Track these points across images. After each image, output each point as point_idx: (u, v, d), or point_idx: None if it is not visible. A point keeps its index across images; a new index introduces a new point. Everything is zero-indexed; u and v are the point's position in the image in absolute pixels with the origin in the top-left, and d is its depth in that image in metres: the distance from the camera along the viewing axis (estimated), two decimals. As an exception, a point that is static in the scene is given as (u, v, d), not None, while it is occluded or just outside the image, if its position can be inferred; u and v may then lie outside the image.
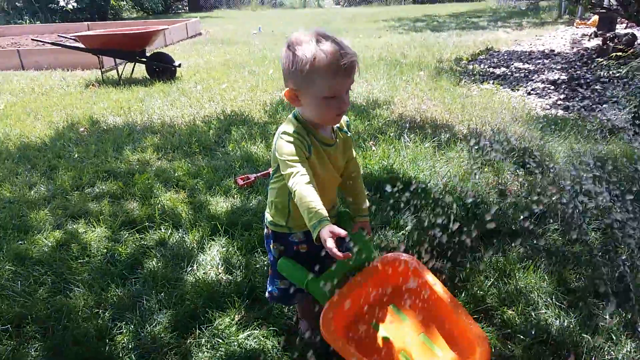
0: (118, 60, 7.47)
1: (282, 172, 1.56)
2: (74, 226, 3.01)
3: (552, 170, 3.29)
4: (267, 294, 1.97)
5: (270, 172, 1.76)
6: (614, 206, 2.70)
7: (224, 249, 2.66)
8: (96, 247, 2.78)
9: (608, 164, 3.31)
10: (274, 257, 1.85)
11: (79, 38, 7.17)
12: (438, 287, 1.68)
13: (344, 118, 1.72)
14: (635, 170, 3.30)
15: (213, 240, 2.76)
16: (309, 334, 2.04)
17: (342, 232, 1.39)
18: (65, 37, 7.89)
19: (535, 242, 2.54)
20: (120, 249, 2.73)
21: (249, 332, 2.07)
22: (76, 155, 4.12)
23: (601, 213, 2.72)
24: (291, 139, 1.56)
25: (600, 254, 2.41)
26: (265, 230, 1.86)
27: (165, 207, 3.16)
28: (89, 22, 13.85)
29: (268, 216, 1.82)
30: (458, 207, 2.83)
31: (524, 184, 3.19)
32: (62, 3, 17.30)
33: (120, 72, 7.30)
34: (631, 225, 2.47)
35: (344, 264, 1.75)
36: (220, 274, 2.47)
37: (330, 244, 1.37)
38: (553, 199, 2.79)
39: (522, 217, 2.72)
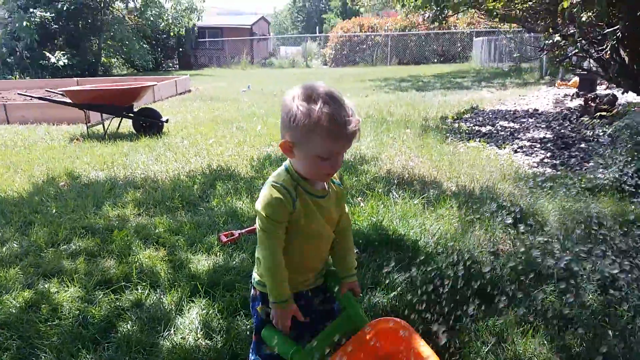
0: (105, 115, 7.45)
1: (257, 225, 1.55)
2: (46, 285, 2.83)
3: (544, 229, 3.22)
4: None
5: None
6: (611, 265, 2.61)
7: (204, 311, 2.50)
8: (68, 308, 2.60)
9: (599, 221, 3.26)
10: (260, 320, 1.73)
11: (66, 93, 7.17)
12: (430, 356, 1.56)
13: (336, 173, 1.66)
14: (627, 228, 3.25)
15: (192, 301, 2.60)
16: None
17: (299, 315, 1.59)
18: (53, 92, 7.89)
19: (532, 304, 2.42)
20: (93, 311, 2.56)
21: (229, 405, 1.90)
22: (54, 211, 3.97)
23: (598, 273, 2.63)
24: (277, 195, 1.52)
25: (600, 316, 2.29)
26: (252, 291, 1.75)
27: (144, 265, 3.01)
28: (78, 78, 13.96)
29: (256, 276, 1.72)
30: (450, 268, 2.72)
31: (517, 243, 3.10)
32: (52, 59, 17.50)
33: (106, 127, 7.26)
34: (631, 284, 2.38)
35: (332, 330, 1.64)
36: (199, 339, 2.30)
37: (285, 323, 1.57)
38: (547, 259, 2.70)
39: (516, 278, 2.62)
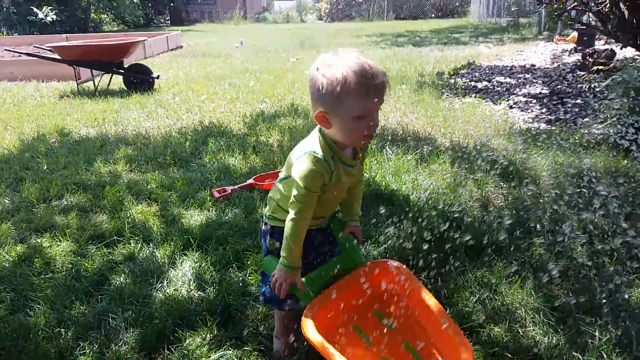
0: (95, 72, 7.30)
1: (293, 192, 1.57)
2: (38, 240, 2.83)
3: (536, 183, 3.23)
4: (261, 297, 1.94)
5: (280, 175, 1.74)
6: (600, 218, 2.63)
7: (196, 264, 2.52)
8: (61, 262, 2.62)
9: (592, 176, 3.26)
10: (268, 252, 1.81)
11: (55, 49, 6.99)
12: (425, 294, 1.60)
13: None
14: (619, 182, 3.26)
15: (185, 255, 2.61)
16: (281, 354, 1.92)
17: (300, 285, 1.63)
18: (41, 48, 7.71)
19: (521, 256, 2.45)
20: (86, 264, 2.57)
21: (222, 353, 1.93)
22: (45, 167, 3.94)
23: (587, 226, 2.65)
24: (318, 167, 1.54)
25: (587, 268, 2.32)
26: (264, 226, 1.82)
27: (136, 220, 3.01)
28: (67, 34, 13.63)
29: (270, 212, 1.78)
30: (441, 221, 2.73)
31: (508, 197, 3.11)
32: (41, 15, 17.04)
33: (96, 84, 7.13)
34: (619, 237, 2.40)
35: (332, 266, 1.71)
36: (192, 290, 2.32)
37: (283, 286, 1.61)
38: (537, 212, 2.71)
39: (507, 230, 2.64)
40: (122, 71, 7.12)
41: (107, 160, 4.09)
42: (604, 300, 2.06)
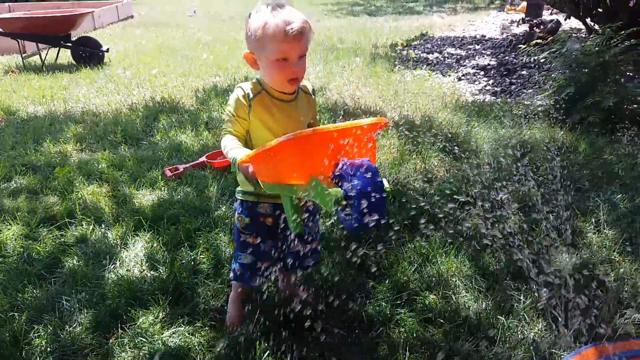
0: (41, 45, 7.06)
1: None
2: (-13, 225, 2.83)
3: (475, 156, 3.40)
4: (231, 274, 2.03)
5: None
6: (530, 190, 2.82)
7: (148, 244, 2.58)
8: (12, 246, 2.63)
9: (528, 148, 3.46)
10: (237, 229, 1.91)
11: (-4, 21, 6.71)
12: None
13: (308, 84, 1.86)
14: (553, 154, 3.47)
15: (137, 235, 2.67)
16: (233, 323, 2.04)
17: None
18: (-20, 20, 7.36)
19: (456, 226, 2.61)
20: (38, 248, 2.60)
21: (174, 330, 2.02)
22: (-9, 148, 3.87)
23: (519, 197, 2.84)
24: (237, 92, 1.72)
25: (515, 237, 2.51)
26: (235, 204, 1.93)
27: (87, 201, 3.03)
28: (10, 3, 12.98)
29: (239, 187, 1.89)
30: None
31: (450, 170, 3.27)
32: (-21, -19, 16.10)
33: (43, 58, 6.91)
34: (546, 207, 2.58)
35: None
36: (144, 271, 2.39)
37: (250, 169, 1.53)
38: (474, 184, 2.88)
39: (445, 202, 2.79)
40: (70, 44, 6.91)
41: (57, 139, 4.04)
42: (530, 267, 2.24)
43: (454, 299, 2.14)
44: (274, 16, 1.60)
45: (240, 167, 1.56)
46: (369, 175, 1.37)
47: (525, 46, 6.16)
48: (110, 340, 2.01)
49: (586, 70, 4.12)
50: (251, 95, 1.71)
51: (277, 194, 1.61)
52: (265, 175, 1.52)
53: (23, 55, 6.94)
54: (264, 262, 1.91)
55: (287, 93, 1.74)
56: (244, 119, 1.71)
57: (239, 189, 1.89)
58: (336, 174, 1.44)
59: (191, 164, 3.50)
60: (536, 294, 2.10)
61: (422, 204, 2.79)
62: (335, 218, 2.64)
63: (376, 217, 1.37)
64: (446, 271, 2.30)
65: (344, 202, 1.36)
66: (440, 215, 2.65)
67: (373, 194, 1.35)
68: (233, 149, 1.62)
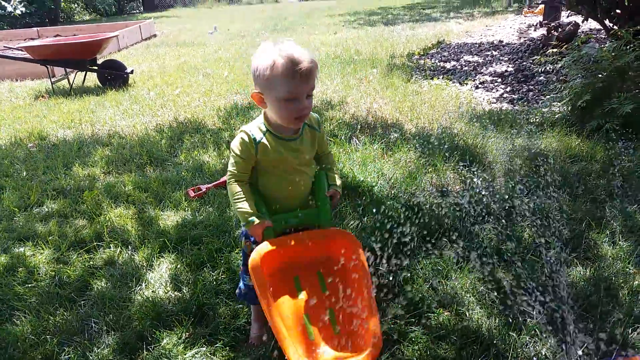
0: (69, 69, 7.33)
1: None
2: (21, 249, 2.97)
3: (491, 169, 3.42)
4: (237, 290, 2.16)
5: None
6: (545, 203, 2.83)
7: (172, 265, 2.69)
8: (44, 269, 2.77)
9: (544, 159, 3.46)
10: (244, 254, 2.02)
11: (26, 49, 6.99)
12: (366, 274, 1.77)
13: (314, 116, 1.92)
14: (569, 163, 3.46)
15: (162, 257, 2.78)
16: (258, 338, 2.12)
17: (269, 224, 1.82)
18: (10, 48, 7.68)
19: (470, 242, 2.64)
20: (68, 271, 2.73)
21: (196, 350, 2.11)
22: (24, 174, 4.05)
23: (533, 210, 2.85)
24: (243, 136, 1.80)
25: (529, 252, 2.53)
26: (242, 227, 2.00)
27: (115, 223, 3.16)
28: (38, 28, 13.45)
29: None
30: (401, 210, 2.91)
31: (465, 183, 3.30)
32: (9, 8, 16.73)
33: (71, 82, 7.17)
34: (560, 221, 2.60)
35: (296, 214, 1.91)
36: (168, 291, 2.49)
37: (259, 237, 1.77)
38: (487, 198, 2.91)
39: (460, 216, 2.83)
40: (96, 68, 7.15)
41: (85, 163, 4.20)
42: (543, 280, 2.26)
43: (468, 315, 2.18)
44: (281, 55, 1.63)
45: (250, 228, 1.82)
46: None
47: (540, 57, 6.14)
48: (137, 361, 2.10)
49: (602, 75, 4.10)
50: (257, 139, 1.79)
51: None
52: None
53: (52, 79, 7.20)
54: None
55: (290, 133, 1.83)
56: (251, 159, 1.82)
57: None
58: None
59: (213, 184, 3.61)
60: (547, 309, 2.12)
61: (438, 218, 2.83)
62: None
63: None
64: (460, 287, 2.33)
65: None
66: (456, 231, 2.69)
67: None
68: (241, 203, 1.81)
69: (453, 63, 7.18)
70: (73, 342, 2.22)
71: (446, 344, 2.03)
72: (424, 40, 9.08)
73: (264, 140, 1.80)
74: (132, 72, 7.26)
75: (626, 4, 5.59)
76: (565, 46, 5.52)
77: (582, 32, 7.51)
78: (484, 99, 5.42)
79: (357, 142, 4.13)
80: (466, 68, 6.82)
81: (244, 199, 1.82)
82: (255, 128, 1.82)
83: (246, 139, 1.79)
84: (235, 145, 1.81)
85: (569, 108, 4.32)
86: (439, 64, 7.19)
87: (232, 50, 9.69)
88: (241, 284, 2.10)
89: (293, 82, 1.64)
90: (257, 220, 1.81)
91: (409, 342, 2.05)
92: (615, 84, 4.04)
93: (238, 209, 1.82)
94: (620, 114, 3.80)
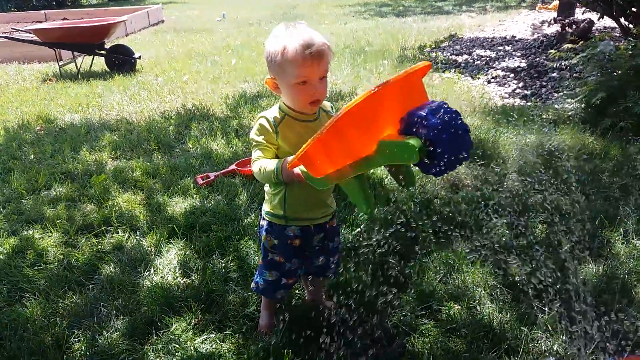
0: (76, 53, 7.30)
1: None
2: (30, 232, 2.96)
3: (503, 164, 3.39)
4: (252, 284, 2.10)
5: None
6: (558, 198, 2.81)
7: (181, 252, 2.68)
8: (53, 253, 2.76)
9: (558, 155, 3.43)
10: (264, 248, 1.97)
11: (34, 32, 6.97)
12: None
13: (328, 103, 1.87)
14: (582, 160, 3.43)
15: (170, 243, 2.77)
16: (267, 326, 2.12)
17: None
18: (19, 30, 7.65)
19: (482, 236, 2.62)
20: (77, 255, 2.72)
21: (206, 336, 2.10)
22: (32, 157, 4.04)
23: (547, 206, 2.82)
24: (261, 121, 1.75)
25: (542, 248, 2.51)
26: (262, 221, 1.96)
27: (123, 209, 3.15)
28: (46, 11, 13.41)
29: (266, 207, 1.93)
30: (412, 204, 2.89)
31: (477, 178, 3.27)
32: (17, -10, 16.70)
33: (78, 66, 7.14)
34: (573, 218, 2.57)
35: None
36: (177, 278, 2.48)
37: (297, 170, 1.52)
38: (500, 193, 2.88)
39: (472, 211, 2.81)
40: (104, 52, 7.12)
41: (93, 147, 4.19)
42: (554, 277, 2.24)
43: (479, 309, 2.16)
44: (292, 39, 1.59)
45: (289, 173, 1.56)
46: (440, 112, 1.26)
47: (554, 51, 6.07)
48: (145, 346, 2.10)
49: (618, 73, 4.05)
50: (276, 123, 1.74)
51: (305, 216, 1.82)
52: (321, 167, 1.36)
53: (60, 62, 7.17)
54: (289, 278, 2.01)
55: (309, 114, 1.78)
56: (273, 144, 1.74)
57: (266, 209, 1.92)
58: (405, 124, 1.30)
59: (222, 171, 3.59)
60: (560, 307, 2.10)
61: (449, 212, 2.81)
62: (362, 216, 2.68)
63: (465, 154, 1.29)
64: (471, 281, 2.31)
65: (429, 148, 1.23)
66: (467, 224, 2.67)
67: (455, 128, 1.26)
68: (270, 163, 1.67)
69: (465, 57, 7.12)
70: (82, 325, 2.21)
71: (457, 337, 2.01)
72: (436, 33, 9.00)
73: (283, 123, 1.75)
74: (139, 57, 7.22)
75: (642, 1, 5.53)
76: (580, 42, 5.45)
77: (597, 29, 7.42)
78: (496, 94, 5.37)
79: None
80: (478, 62, 6.76)
81: (270, 162, 1.69)
82: (273, 113, 1.78)
83: (265, 123, 1.74)
84: (255, 131, 1.76)
85: (583, 105, 4.28)
86: (450, 57, 7.13)
87: (241, 38, 9.63)
88: (259, 279, 2.05)
89: (304, 65, 1.59)
90: (283, 162, 1.64)
91: (419, 335, 2.04)
92: (631, 83, 3.99)
93: (267, 170, 1.67)
94: (634, 112, 3.76)
